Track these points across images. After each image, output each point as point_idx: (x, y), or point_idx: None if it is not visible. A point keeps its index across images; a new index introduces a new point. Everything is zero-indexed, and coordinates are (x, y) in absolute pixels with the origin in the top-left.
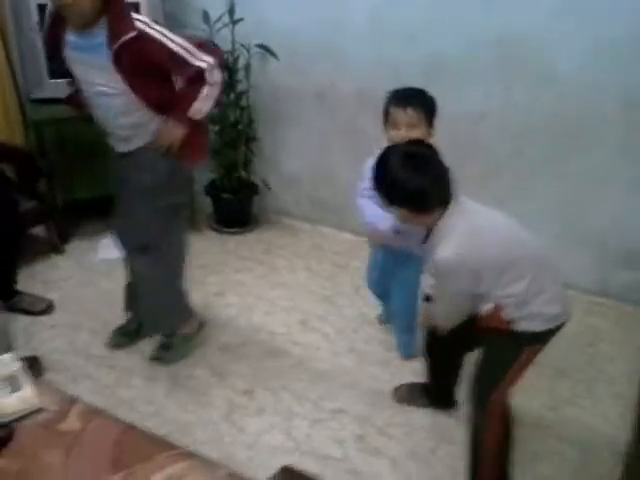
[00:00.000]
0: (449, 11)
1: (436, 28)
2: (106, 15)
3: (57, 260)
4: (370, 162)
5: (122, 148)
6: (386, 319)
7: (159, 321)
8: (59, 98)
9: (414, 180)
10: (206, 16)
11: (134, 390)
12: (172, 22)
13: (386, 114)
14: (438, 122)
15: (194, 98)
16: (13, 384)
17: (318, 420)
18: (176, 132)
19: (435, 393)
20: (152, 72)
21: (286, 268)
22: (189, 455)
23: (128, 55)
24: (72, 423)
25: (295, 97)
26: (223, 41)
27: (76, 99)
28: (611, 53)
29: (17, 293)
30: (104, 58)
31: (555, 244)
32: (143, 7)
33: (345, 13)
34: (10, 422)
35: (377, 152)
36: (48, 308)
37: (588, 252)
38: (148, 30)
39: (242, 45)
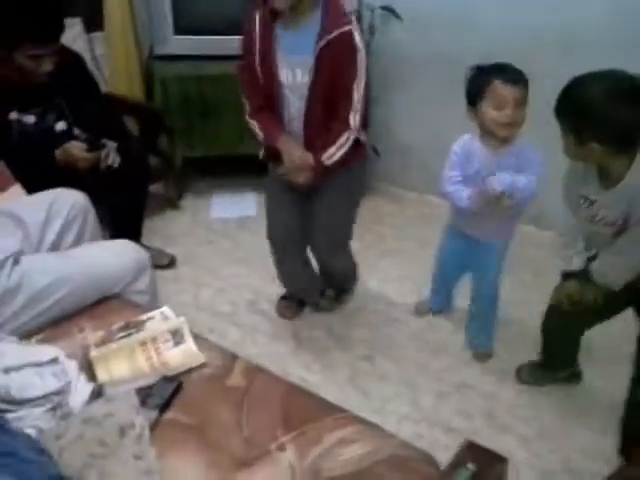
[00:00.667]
0: None
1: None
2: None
3: (174, 216)
4: (458, 146)
5: None
6: (439, 309)
7: (352, 278)
8: (184, 55)
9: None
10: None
11: (260, 347)
12: None
13: (481, 92)
14: None
15: (332, 142)
16: (177, 337)
17: (443, 393)
18: (306, 163)
19: (555, 368)
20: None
21: (394, 237)
22: (357, 420)
23: (333, 51)
24: (237, 379)
25: (414, 62)
26: (348, 2)
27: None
28: None
29: (143, 247)
30: (310, 54)
31: None
32: None
33: None
34: (177, 375)
35: (466, 138)
36: (171, 262)
37: None
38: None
39: (366, 6)
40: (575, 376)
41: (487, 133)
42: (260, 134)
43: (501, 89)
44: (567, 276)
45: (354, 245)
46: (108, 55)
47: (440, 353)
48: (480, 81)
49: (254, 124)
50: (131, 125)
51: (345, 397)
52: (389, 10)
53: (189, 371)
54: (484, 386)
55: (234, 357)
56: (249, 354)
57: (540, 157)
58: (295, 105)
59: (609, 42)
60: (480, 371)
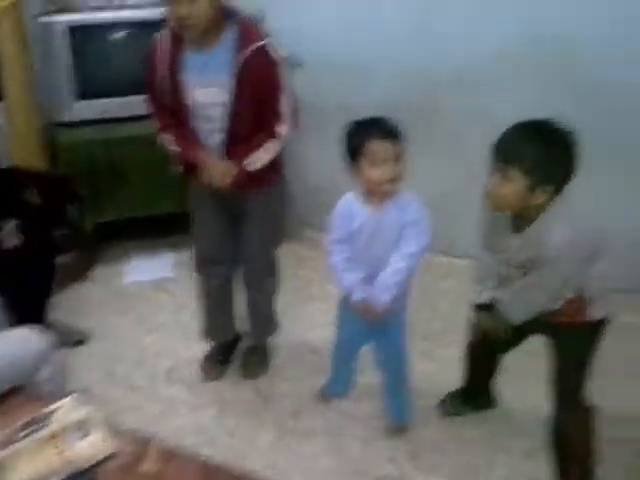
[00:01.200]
0: (482, 21)
1: (468, 35)
2: (234, 22)
3: (86, 286)
4: (338, 206)
5: None
6: (345, 391)
7: (272, 327)
8: (88, 120)
9: (550, 149)
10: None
11: (181, 419)
12: None
13: (358, 149)
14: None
15: (257, 147)
16: (86, 427)
17: (369, 440)
18: (229, 172)
19: (475, 395)
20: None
21: (319, 281)
22: None
23: (251, 67)
24: (151, 464)
25: (319, 109)
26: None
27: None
28: None
29: (51, 325)
30: (227, 71)
31: None
32: None
33: (372, 22)
34: (89, 469)
35: (347, 196)
36: (84, 338)
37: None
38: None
39: None
40: (493, 400)
41: (368, 190)
42: (176, 148)
43: (378, 146)
44: (479, 307)
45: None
46: (8, 126)
47: (364, 399)
48: (357, 138)
49: (168, 138)
50: (35, 196)
51: (272, 460)
52: (289, 59)
53: (101, 462)
54: (410, 427)
55: (147, 441)
56: (170, 428)
57: (425, 212)
58: (212, 122)
59: (499, 78)
60: None
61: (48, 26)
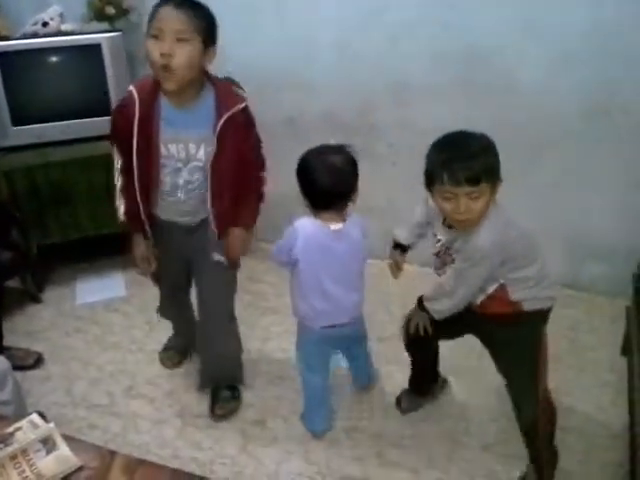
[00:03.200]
0: (412, 35)
1: (399, 53)
2: (212, 84)
3: (36, 309)
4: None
5: (187, 221)
6: (326, 427)
7: (236, 373)
8: (26, 144)
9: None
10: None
11: (144, 435)
12: (134, 62)
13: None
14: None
15: (255, 207)
16: (48, 445)
17: (334, 441)
18: (248, 240)
19: (424, 385)
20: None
21: (273, 294)
22: None
23: (233, 127)
24: (118, 477)
25: (264, 126)
26: None
27: (137, 214)
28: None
29: (5, 349)
30: (206, 129)
31: None
32: (104, 46)
33: (310, 42)
34: None
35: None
36: (38, 361)
37: (557, 246)
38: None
39: None
40: (444, 383)
41: None
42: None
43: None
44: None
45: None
46: None
47: None
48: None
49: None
50: None
51: (239, 469)
52: (231, 80)
53: (66, 478)
54: (371, 426)
55: (112, 454)
56: (134, 444)
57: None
58: (184, 177)
59: (433, 89)
60: (366, 411)
61: None
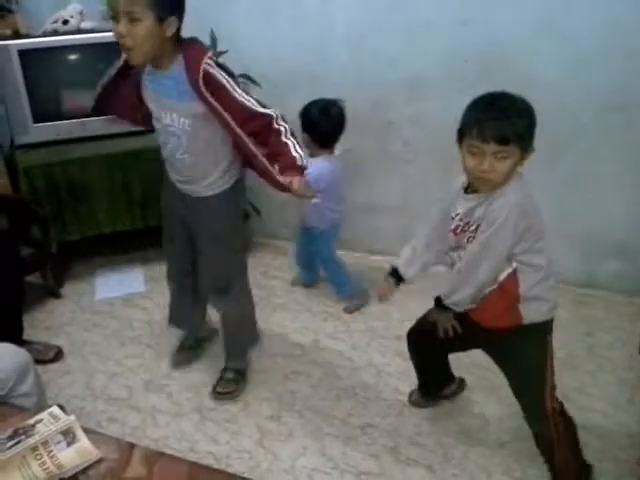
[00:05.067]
0: (426, 35)
1: (415, 50)
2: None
3: (56, 304)
4: None
5: (187, 190)
6: (306, 282)
7: (244, 352)
8: (46, 141)
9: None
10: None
11: (162, 428)
12: None
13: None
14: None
15: (288, 150)
16: (68, 437)
17: (349, 438)
18: (305, 185)
19: (432, 389)
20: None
21: (285, 289)
22: None
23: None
24: (137, 469)
25: None
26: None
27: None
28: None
29: (25, 343)
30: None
31: None
32: None
33: (325, 40)
34: (74, 476)
35: None
36: (58, 355)
37: (574, 246)
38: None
39: None
40: (462, 384)
41: None
42: None
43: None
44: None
45: None
46: None
47: (342, 398)
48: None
49: None
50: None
51: (255, 463)
52: (247, 77)
53: (86, 470)
54: (387, 423)
55: (131, 446)
56: (152, 438)
57: None
58: (173, 142)
59: (449, 87)
60: (382, 408)
61: (2, 49)
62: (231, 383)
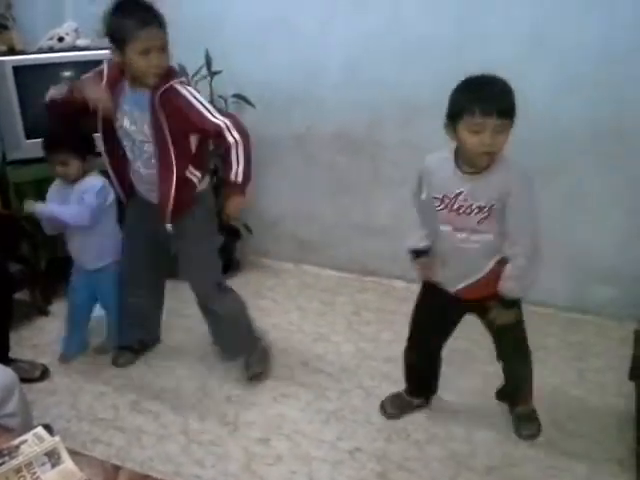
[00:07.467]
0: (421, 56)
1: (408, 74)
2: None
3: (44, 322)
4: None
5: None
6: (76, 351)
7: (245, 345)
8: (37, 158)
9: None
10: (182, 70)
11: (148, 450)
12: None
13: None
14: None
15: (230, 166)
16: (53, 458)
17: (337, 462)
18: (238, 201)
19: (420, 390)
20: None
21: (278, 310)
22: None
23: (167, 107)
24: None
25: (273, 143)
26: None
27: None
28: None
29: (11, 361)
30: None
31: None
32: None
33: (319, 61)
34: None
35: None
36: (44, 373)
37: (564, 270)
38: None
39: (220, 96)
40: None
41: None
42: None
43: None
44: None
45: None
46: None
47: (331, 421)
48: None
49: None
50: None
51: None
52: (241, 98)
53: None
54: (375, 447)
55: (116, 469)
56: (137, 460)
57: None
58: (140, 149)
59: (440, 110)
60: (371, 432)
61: None
62: (260, 364)
